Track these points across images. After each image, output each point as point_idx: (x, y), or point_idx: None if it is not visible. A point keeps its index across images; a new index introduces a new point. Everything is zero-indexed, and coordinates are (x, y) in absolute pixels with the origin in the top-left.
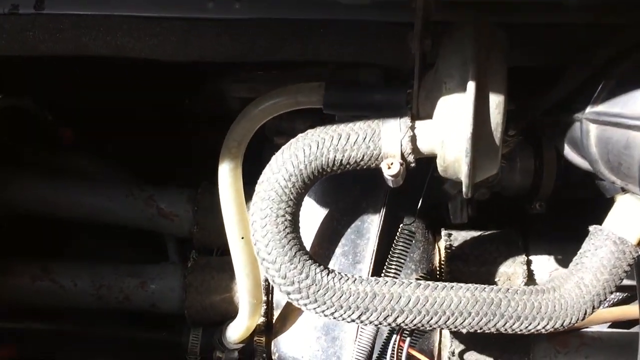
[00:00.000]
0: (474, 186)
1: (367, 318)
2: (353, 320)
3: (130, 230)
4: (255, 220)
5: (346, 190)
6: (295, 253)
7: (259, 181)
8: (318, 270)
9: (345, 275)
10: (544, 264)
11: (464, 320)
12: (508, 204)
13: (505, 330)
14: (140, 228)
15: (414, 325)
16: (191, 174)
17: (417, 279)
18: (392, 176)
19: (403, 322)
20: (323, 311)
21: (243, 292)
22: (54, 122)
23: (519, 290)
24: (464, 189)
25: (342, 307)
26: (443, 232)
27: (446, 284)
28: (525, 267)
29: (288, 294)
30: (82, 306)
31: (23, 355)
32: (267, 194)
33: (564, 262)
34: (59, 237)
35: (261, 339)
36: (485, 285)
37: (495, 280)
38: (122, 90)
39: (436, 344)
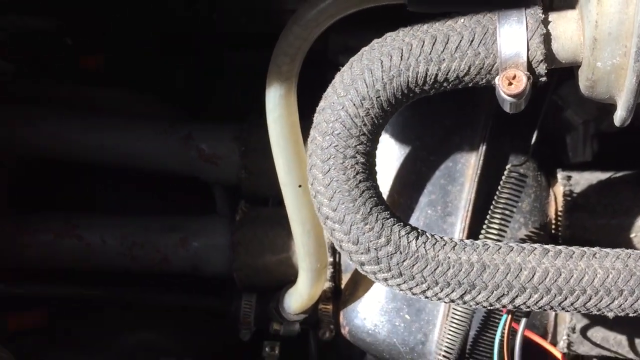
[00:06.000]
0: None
1: (473, 298)
2: (453, 301)
3: (172, 177)
4: (315, 163)
5: (434, 120)
6: (370, 209)
7: (318, 109)
8: (403, 232)
9: (442, 238)
10: None
11: (613, 302)
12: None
13: None
14: (178, 174)
15: (539, 308)
16: (239, 106)
17: (526, 235)
18: (513, 96)
19: (523, 303)
20: (411, 288)
21: (303, 254)
22: (75, 49)
23: None
24: (623, 113)
25: (437, 284)
26: (560, 174)
27: (585, 250)
28: None
29: (362, 264)
30: (114, 268)
31: (54, 321)
32: (331, 127)
33: None
34: (85, 187)
35: (328, 307)
36: None
37: (631, 236)
38: (151, 10)
39: (551, 318)
